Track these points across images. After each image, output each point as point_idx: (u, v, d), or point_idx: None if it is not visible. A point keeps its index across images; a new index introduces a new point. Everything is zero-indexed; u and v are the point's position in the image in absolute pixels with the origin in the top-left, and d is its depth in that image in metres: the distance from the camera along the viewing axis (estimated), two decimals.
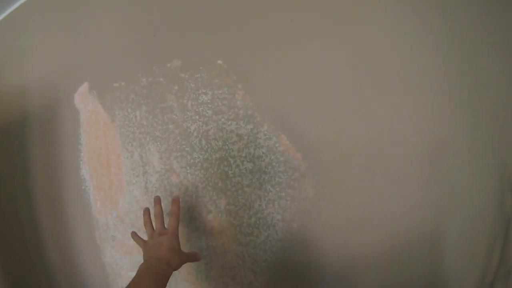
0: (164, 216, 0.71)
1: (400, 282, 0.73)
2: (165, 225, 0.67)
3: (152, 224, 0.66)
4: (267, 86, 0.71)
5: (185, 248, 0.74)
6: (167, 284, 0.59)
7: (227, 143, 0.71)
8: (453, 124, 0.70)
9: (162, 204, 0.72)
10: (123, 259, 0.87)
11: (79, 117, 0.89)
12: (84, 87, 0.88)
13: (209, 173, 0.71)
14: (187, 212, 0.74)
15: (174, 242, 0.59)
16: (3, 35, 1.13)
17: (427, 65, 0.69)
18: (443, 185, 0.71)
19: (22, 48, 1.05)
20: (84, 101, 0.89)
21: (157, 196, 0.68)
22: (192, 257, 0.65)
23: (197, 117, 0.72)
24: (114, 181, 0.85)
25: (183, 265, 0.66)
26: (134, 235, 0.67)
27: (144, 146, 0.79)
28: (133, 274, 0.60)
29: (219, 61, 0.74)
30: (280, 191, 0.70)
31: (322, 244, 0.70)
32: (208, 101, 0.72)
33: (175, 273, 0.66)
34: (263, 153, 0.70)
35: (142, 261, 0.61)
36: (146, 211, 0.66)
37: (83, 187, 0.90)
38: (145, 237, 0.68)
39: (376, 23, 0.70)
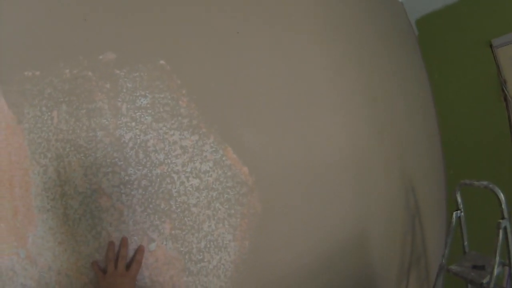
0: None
1: (340, 278, 0.76)
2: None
3: (115, 262, 0.55)
4: (213, 95, 0.66)
5: None
6: None
7: (169, 156, 0.59)
8: (369, 140, 0.84)
9: (94, 245, 0.56)
10: None
11: None
12: None
13: (149, 193, 0.57)
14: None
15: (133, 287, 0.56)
16: None
17: (350, 96, 0.84)
18: (366, 190, 0.84)
19: None
20: None
21: (125, 237, 0.57)
22: None
23: (133, 123, 0.57)
24: (19, 207, 0.61)
25: None
26: (96, 265, 0.57)
27: (63, 158, 0.58)
28: None
29: (161, 61, 0.61)
30: (229, 208, 0.64)
31: (273, 259, 0.68)
32: (148, 105, 0.58)
33: None
34: (210, 167, 0.63)
35: None
36: (112, 247, 0.56)
37: None
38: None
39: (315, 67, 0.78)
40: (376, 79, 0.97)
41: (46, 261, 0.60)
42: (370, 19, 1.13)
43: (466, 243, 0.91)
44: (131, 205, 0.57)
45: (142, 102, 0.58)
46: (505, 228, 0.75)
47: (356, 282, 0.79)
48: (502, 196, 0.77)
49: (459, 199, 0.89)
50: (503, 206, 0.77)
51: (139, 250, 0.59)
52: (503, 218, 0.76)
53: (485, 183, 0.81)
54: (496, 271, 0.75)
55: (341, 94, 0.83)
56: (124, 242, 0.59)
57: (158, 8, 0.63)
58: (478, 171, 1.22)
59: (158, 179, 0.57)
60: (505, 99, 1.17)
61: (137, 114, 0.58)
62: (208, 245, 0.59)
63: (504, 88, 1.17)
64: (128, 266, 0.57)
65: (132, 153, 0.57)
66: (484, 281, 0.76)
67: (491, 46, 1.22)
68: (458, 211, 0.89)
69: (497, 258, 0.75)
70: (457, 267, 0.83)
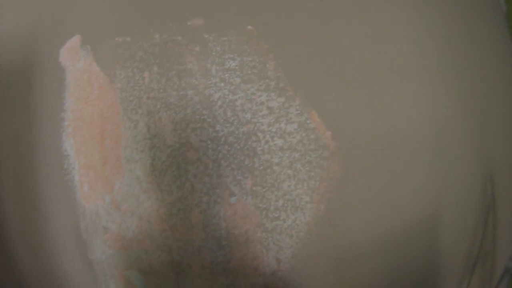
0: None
1: (406, 259, 0.71)
2: None
3: None
4: (299, 60, 0.61)
5: (200, 238, 0.61)
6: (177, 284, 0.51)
7: (256, 116, 0.55)
8: (450, 118, 0.77)
9: (177, 195, 0.57)
10: (117, 255, 0.65)
11: (64, 77, 0.60)
12: (74, 40, 0.63)
13: (234, 149, 0.54)
14: (205, 195, 0.54)
15: None
16: None
17: (434, 69, 0.75)
18: (441, 169, 0.76)
19: None
20: (74, 58, 0.65)
21: None
22: None
23: (222, 84, 0.54)
24: (109, 158, 0.64)
25: (196, 259, 0.55)
26: None
27: (154, 114, 0.56)
28: (130, 273, 0.46)
29: (249, 27, 0.60)
30: (310, 170, 0.59)
31: (345, 226, 0.63)
32: (236, 67, 0.55)
33: (186, 269, 0.54)
34: (294, 129, 0.58)
35: (142, 256, 0.50)
36: None
37: (65, 166, 0.66)
38: None
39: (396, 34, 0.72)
40: (462, 54, 0.87)
41: (129, 207, 0.62)
42: None
43: None
44: (217, 159, 0.53)
45: (230, 64, 0.55)
46: None
47: (422, 264, 0.76)
48: None
49: None
50: None
51: None
52: None
53: None
54: None
55: (425, 66, 0.78)
56: None
57: None
58: None
59: (244, 137, 0.55)
60: None
61: (226, 75, 0.55)
62: (286, 204, 0.56)
63: None
64: None
65: (221, 112, 0.54)
66: None
67: None
68: None
69: None
70: None
